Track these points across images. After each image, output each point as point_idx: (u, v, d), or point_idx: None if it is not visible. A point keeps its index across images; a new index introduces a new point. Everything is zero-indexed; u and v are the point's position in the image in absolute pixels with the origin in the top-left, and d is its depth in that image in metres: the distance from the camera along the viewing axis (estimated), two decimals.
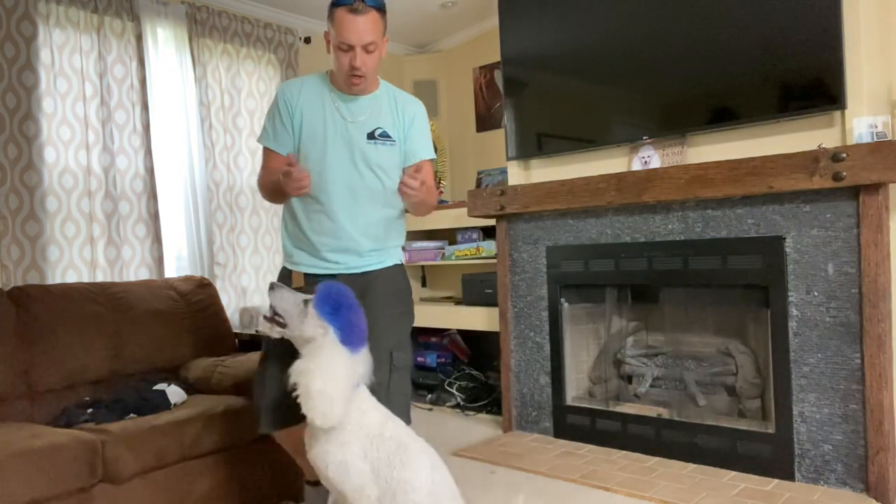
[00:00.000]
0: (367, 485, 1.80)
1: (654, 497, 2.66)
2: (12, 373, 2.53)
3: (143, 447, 2.28)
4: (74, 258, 3.22)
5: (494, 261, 3.89)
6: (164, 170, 3.57)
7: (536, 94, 3.59)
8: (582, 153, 3.51)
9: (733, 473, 2.87)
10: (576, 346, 3.57)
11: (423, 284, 4.99)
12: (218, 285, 3.70)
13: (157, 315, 2.98)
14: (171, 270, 3.60)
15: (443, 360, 4.50)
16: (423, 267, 4.96)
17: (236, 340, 3.31)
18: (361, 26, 1.94)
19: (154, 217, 3.51)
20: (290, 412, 2.06)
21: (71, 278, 3.19)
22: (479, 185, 4.59)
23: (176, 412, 2.50)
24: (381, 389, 1.99)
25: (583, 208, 3.32)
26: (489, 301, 3.99)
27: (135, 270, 3.43)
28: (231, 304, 3.78)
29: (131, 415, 2.48)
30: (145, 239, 3.48)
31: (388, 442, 1.83)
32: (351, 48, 1.96)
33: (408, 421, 2.03)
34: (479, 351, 4.54)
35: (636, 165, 3.30)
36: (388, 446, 1.83)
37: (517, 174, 3.75)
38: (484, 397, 4.20)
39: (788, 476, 2.76)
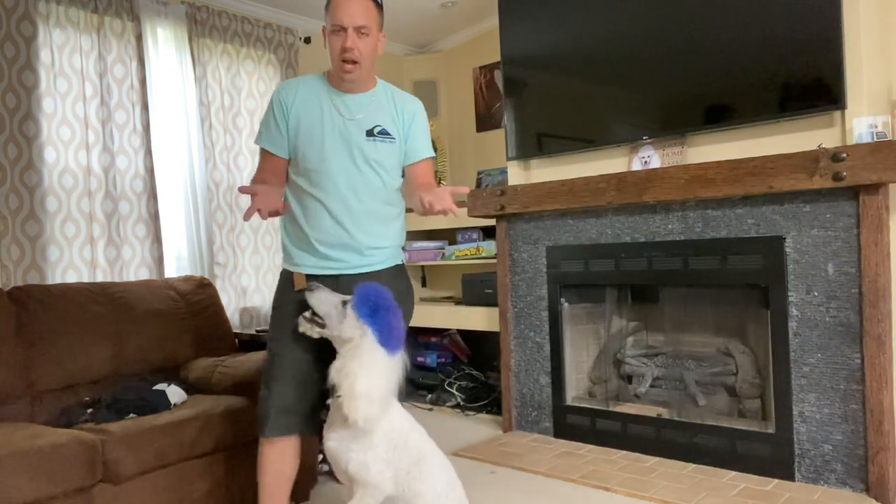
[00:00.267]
0: (385, 482, 1.82)
1: (654, 497, 2.66)
2: (12, 373, 2.53)
3: (143, 447, 2.28)
4: (74, 258, 3.22)
5: (494, 261, 3.89)
6: (164, 170, 3.57)
7: (536, 94, 3.59)
8: (582, 153, 3.51)
9: (733, 473, 2.87)
10: (576, 346, 3.57)
11: (423, 284, 4.99)
12: (218, 285, 3.70)
13: (157, 315, 2.98)
14: (171, 270, 3.60)
15: (443, 360, 4.50)
16: (423, 267, 4.96)
17: (236, 340, 3.31)
18: (353, 9, 1.96)
19: (154, 217, 3.51)
20: (300, 419, 2.07)
21: (71, 278, 3.19)
22: (479, 185, 4.59)
23: (176, 412, 2.50)
24: None
25: (583, 208, 3.32)
26: (489, 301, 3.99)
27: (135, 270, 3.43)
28: (231, 304, 3.78)
29: (131, 415, 2.48)
30: (145, 239, 3.48)
31: (411, 451, 1.85)
32: (343, 30, 1.97)
33: None
34: (479, 351, 4.54)
35: (636, 165, 3.30)
36: (410, 456, 1.84)
37: (517, 174, 3.75)
38: (484, 397, 4.20)
39: (788, 476, 2.76)
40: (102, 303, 2.84)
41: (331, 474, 3.04)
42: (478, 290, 4.11)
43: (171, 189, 3.60)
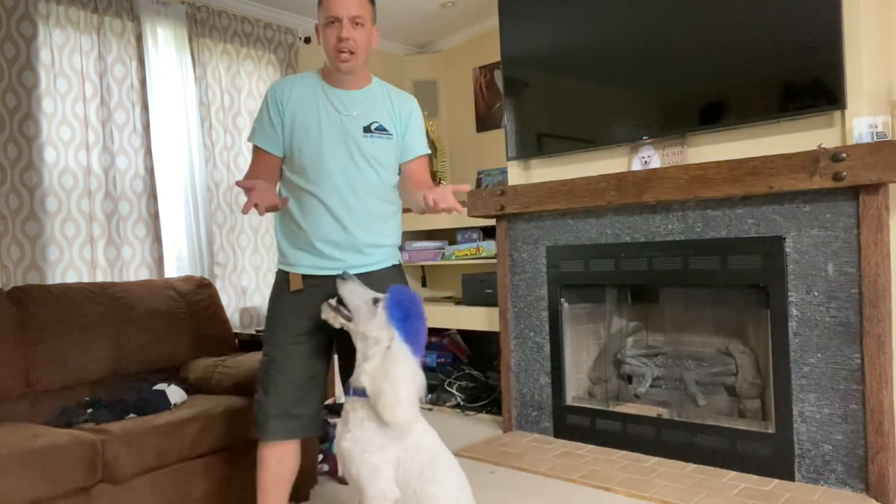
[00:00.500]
0: (391, 490, 1.82)
1: (654, 497, 2.66)
2: (12, 373, 2.53)
3: (143, 447, 2.28)
4: (74, 258, 3.22)
5: (494, 261, 3.89)
6: (164, 170, 3.56)
7: (536, 94, 3.59)
8: (582, 153, 3.51)
9: (733, 473, 2.87)
10: (576, 346, 3.57)
11: (423, 284, 4.99)
12: (218, 285, 3.70)
13: (157, 315, 2.98)
14: (171, 270, 3.60)
15: (443, 360, 4.50)
16: (423, 267, 4.96)
17: (236, 340, 3.31)
18: (347, 0, 1.96)
19: (154, 217, 3.51)
20: (299, 422, 2.06)
21: (71, 278, 3.19)
22: (479, 185, 4.59)
23: (176, 412, 2.50)
24: None
25: (583, 208, 3.32)
26: (489, 301, 3.99)
27: (135, 270, 3.43)
28: (231, 304, 3.78)
29: (131, 415, 2.48)
30: (145, 239, 3.48)
31: (424, 454, 1.85)
32: (338, 20, 1.97)
33: None
34: (479, 351, 4.54)
35: (636, 165, 3.30)
36: (422, 458, 1.84)
37: (517, 174, 3.75)
38: (484, 397, 4.20)
39: (788, 476, 2.76)
40: (102, 303, 2.84)
41: (330, 474, 3.04)
42: (478, 290, 4.11)
43: (171, 189, 3.60)
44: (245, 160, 3.93)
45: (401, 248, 2.33)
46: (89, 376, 2.73)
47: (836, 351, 2.65)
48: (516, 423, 3.68)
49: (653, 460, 3.09)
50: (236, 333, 3.37)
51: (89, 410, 2.50)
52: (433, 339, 4.59)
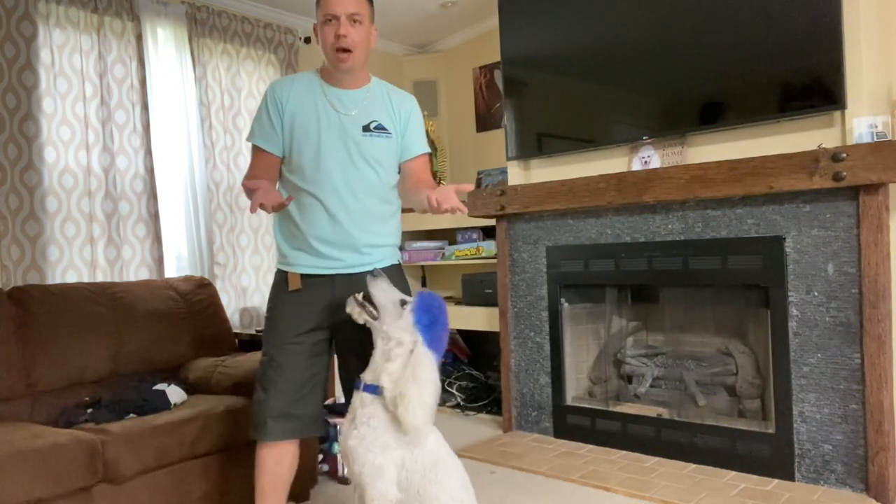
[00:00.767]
0: (391, 492, 1.82)
1: (653, 497, 2.66)
2: (12, 373, 2.53)
3: (143, 447, 2.28)
4: (74, 258, 3.22)
5: (494, 261, 3.89)
6: (164, 170, 3.56)
7: (536, 94, 3.59)
8: (582, 153, 3.51)
9: (733, 473, 2.87)
10: (576, 346, 3.57)
11: (423, 284, 4.99)
12: (218, 285, 3.70)
13: (157, 315, 2.98)
14: (171, 270, 3.60)
15: (443, 360, 4.49)
16: (423, 267, 4.96)
17: (236, 340, 3.31)
18: None
19: (154, 217, 3.51)
20: (299, 423, 2.06)
21: (71, 278, 3.19)
22: (479, 185, 4.59)
23: (176, 412, 2.50)
24: None
25: (583, 208, 3.32)
26: (489, 301, 3.99)
27: (135, 270, 3.43)
28: (231, 304, 3.78)
29: (131, 415, 2.48)
30: (145, 239, 3.48)
31: (428, 455, 1.85)
32: (335, 18, 1.97)
33: None
34: (479, 351, 4.54)
35: (636, 165, 3.30)
36: (426, 459, 1.84)
37: (517, 174, 3.75)
38: (484, 397, 4.20)
39: (788, 476, 2.76)
40: (102, 303, 2.84)
41: (330, 474, 3.04)
42: (478, 290, 4.11)
43: (171, 189, 3.60)
44: (245, 160, 3.93)
45: (401, 248, 2.33)
46: (89, 376, 2.73)
47: (836, 351, 2.65)
48: (516, 423, 3.68)
49: (653, 460, 3.09)
50: (236, 333, 3.37)
51: (89, 410, 2.50)
52: None
